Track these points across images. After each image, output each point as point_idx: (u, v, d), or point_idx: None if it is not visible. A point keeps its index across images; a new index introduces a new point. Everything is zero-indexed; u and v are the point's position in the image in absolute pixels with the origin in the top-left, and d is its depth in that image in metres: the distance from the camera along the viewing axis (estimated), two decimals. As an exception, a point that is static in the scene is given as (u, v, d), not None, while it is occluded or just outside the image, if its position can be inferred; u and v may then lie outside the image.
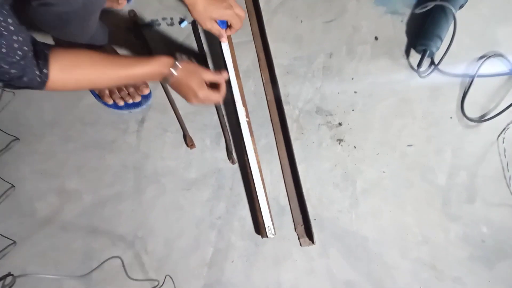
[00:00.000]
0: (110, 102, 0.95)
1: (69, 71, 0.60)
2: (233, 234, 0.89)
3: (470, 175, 0.92)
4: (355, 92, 1.00)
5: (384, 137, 0.95)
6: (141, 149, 0.93)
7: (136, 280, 0.84)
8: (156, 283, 0.85)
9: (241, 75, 0.97)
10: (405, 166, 0.93)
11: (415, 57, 1.03)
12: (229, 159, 0.94)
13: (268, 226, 0.85)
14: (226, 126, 0.96)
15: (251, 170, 0.88)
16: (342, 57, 1.02)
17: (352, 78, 1.01)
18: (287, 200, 0.92)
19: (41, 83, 0.57)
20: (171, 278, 0.85)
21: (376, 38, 1.04)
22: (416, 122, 0.97)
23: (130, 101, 0.96)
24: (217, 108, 0.97)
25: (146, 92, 0.96)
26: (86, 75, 0.63)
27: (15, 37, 0.50)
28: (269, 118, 0.97)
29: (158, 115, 0.96)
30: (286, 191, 0.92)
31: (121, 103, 0.95)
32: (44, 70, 0.56)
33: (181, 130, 0.96)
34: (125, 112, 0.97)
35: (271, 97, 0.98)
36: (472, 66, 1.01)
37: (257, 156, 0.90)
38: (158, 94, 0.98)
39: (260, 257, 0.88)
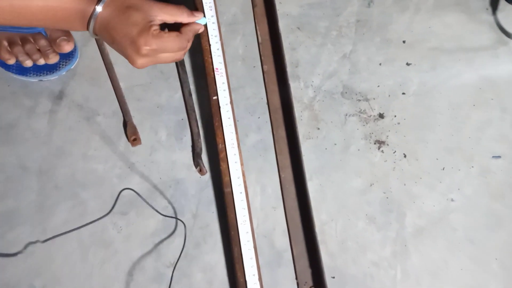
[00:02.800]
0: (11, 61, 0.51)
1: None
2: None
3: None
4: (407, 63, 0.54)
5: (453, 140, 0.50)
6: (54, 141, 0.50)
7: None
8: None
9: (222, 29, 0.53)
10: (489, 191, 0.49)
11: (507, 11, 0.56)
12: (196, 166, 0.50)
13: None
14: (194, 111, 0.51)
15: (231, 186, 0.45)
16: (387, 6, 0.56)
17: (404, 41, 0.55)
18: (287, 241, 0.48)
19: None
20: None
21: (442, -21, 0.57)
22: (507, 118, 0.52)
23: (42, 62, 0.52)
24: (182, 81, 0.52)
25: (68, 48, 0.52)
26: None
27: None
28: (265, 100, 0.52)
29: (86, 88, 0.53)
30: (287, 224, 0.48)
31: (28, 64, 0.52)
32: None
33: (120, 114, 0.52)
34: (33, 80, 0.54)
35: (270, 66, 0.53)
36: None
37: (241, 163, 0.46)
38: (86, 52, 0.55)
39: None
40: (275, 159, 0.51)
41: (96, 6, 0.36)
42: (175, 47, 0.39)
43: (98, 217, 0.48)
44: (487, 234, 0.48)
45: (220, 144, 0.46)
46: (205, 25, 0.48)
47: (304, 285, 0.46)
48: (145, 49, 0.37)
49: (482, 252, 0.47)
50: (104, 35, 0.38)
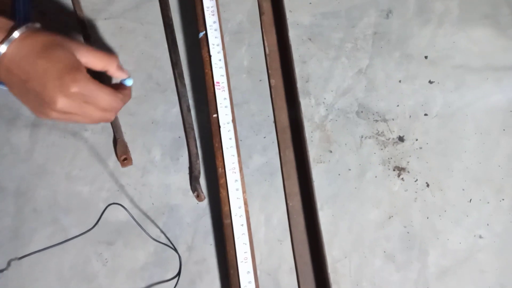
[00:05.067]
0: None
1: None
2: None
3: None
4: (430, 81, 0.47)
5: (483, 169, 0.44)
6: (35, 158, 0.44)
7: None
8: None
9: (226, 38, 0.46)
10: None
11: None
12: (193, 191, 0.43)
13: None
14: (193, 129, 0.44)
15: (231, 217, 0.38)
16: (408, 18, 0.50)
17: (426, 57, 0.48)
18: (295, 280, 0.41)
19: None
20: None
21: (468, -10, 0.51)
22: (542, 145, 0.45)
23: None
24: (180, 95, 0.46)
25: None
26: None
27: None
28: (272, 118, 0.46)
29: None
30: (295, 261, 0.41)
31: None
32: None
33: (110, 129, 0.45)
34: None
35: (278, 81, 0.46)
36: None
37: (244, 191, 0.39)
38: None
39: None
40: (282, 185, 0.43)
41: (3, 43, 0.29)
42: (107, 102, 0.33)
43: (81, 247, 0.40)
44: (520, 277, 0.41)
45: (220, 169, 0.40)
46: (206, 34, 0.42)
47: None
48: (74, 87, 0.30)
49: (515, 298, 0.40)
50: (9, 77, 0.31)
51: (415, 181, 0.44)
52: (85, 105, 0.31)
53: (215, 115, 0.42)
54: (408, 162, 0.45)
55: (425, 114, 0.47)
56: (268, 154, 0.46)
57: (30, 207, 0.44)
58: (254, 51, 0.48)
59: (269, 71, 0.48)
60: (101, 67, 0.34)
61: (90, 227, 0.42)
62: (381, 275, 0.42)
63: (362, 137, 0.46)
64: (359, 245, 0.42)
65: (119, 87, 0.36)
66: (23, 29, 0.31)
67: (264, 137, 0.46)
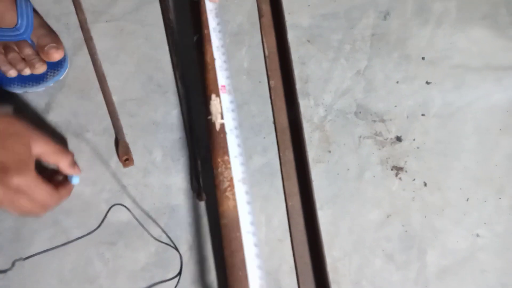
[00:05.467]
0: None
1: None
2: None
3: None
4: (427, 82, 0.48)
5: (481, 168, 0.44)
6: None
7: None
8: None
9: (227, 40, 0.47)
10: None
11: None
12: (194, 191, 0.43)
13: None
14: (194, 130, 0.45)
15: (233, 217, 0.38)
16: (406, 19, 0.50)
17: (423, 58, 0.49)
18: (295, 280, 0.41)
19: None
20: None
21: (466, -9, 0.51)
22: (540, 145, 0.45)
23: (28, 72, 0.47)
24: (181, 96, 0.46)
25: (57, 57, 0.47)
26: None
27: None
28: (272, 119, 0.46)
29: (75, 101, 0.47)
30: (295, 261, 0.41)
31: (12, 74, 0.46)
32: None
33: (112, 131, 0.45)
34: (17, 91, 0.48)
35: (277, 82, 0.47)
36: None
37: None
38: (77, 62, 0.49)
39: None
40: (282, 185, 0.44)
41: None
42: (42, 198, 0.34)
43: (82, 248, 0.40)
44: (519, 276, 0.41)
45: (215, 170, 0.40)
46: (201, 37, 0.42)
47: (314, 332, 0.39)
48: (15, 179, 0.31)
49: (515, 297, 0.40)
50: None
51: (413, 180, 0.45)
52: (21, 196, 0.32)
53: (209, 117, 0.42)
54: (405, 161, 0.45)
55: (423, 115, 0.47)
56: (268, 155, 0.46)
57: None
58: (254, 52, 0.49)
59: (269, 73, 0.48)
60: (53, 161, 0.35)
61: (92, 228, 0.42)
62: (381, 274, 0.42)
63: (360, 137, 0.46)
64: (358, 244, 0.42)
65: (62, 182, 0.38)
66: None
67: (264, 138, 0.46)
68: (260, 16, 0.49)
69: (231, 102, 0.41)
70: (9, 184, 0.31)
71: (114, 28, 0.49)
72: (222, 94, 0.41)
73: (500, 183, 0.45)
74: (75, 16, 0.49)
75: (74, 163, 0.38)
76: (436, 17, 0.51)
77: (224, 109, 0.40)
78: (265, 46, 0.48)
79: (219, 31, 0.44)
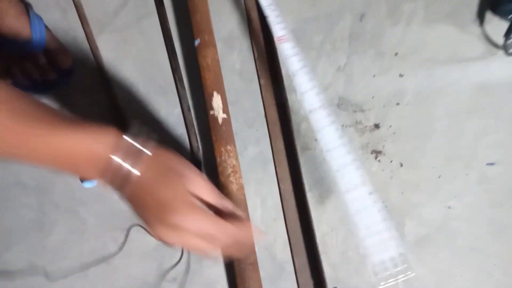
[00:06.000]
0: (7, 80, 0.50)
1: None
2: None
3: None
4: (400, 75, 0.54)
5: (450, 148, 0.50)
6: None
7: None
8: None
9: (219, 45, 0.52)
10: (487, 198, 0.48)
11: (494, 23, 0.57)
12: (195, 179, 0.48)
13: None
14: (193, 125, 0.50)
15: (237, 198, 0.44)
16: (379, 20, 0.56)
17: (396, 53, 0.55)
18: (288, 253, 0.47)
19: None
20: None
21: (431, -7, 0.58)
22: (502, 125, 0.51)
23: (41, 79, 0.52)
24: (181, 96, 0.52)
25: (66, 65, 0.51)
26: None
27: None
28: (263, 113, 0.51)
29: (85, 104, 0.51)
30: (288, 236, 0.47)
31: (25, 83, 0.51)
32: None
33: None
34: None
35: (267, 80, 0.53)
36: None
37: (240, 176, 0.45)
38: (84, 69, 0.54)
39: None
40: (275, 171, 0.49)
41: (127, 163, 0.29)
42: (208, 232, 0.30)
43: (98, 234, 0.46)
44: (488, 241, 0.47)
45: (218, 158, 0.45)
46: (196, 46, 0.47)
47: (307, 298, 0.44)
48: (173, 218, 0.29)
49: (484, 261, 0.46)
50: (126, 194, 0.31)
51: (390, 162, 0.50)
52: (184, 234, 0.29)
53: (212, 112, 0.48)
54: (383, 145, 0.51)
55: (397, 103, 0.53)
56: (261, 145, 0.51)
57: (51, 201, 0.49)
58: (244, 55, 0.55)
59: (259, 72, 0.54)
60: (219, 203, 0.33)
61: (106, 216, 0.48)
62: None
63: (343, 126, 0.52)
64: (344, 220, 0.48)
65: (233, 218, 0.33)
66: (148, 151, 0.30)
67: (257, 130, 0.52)
68: (249, 22, 0.55)
69: (293, 47, 0.43)
70: (170, 223, 0.29)
71: (117, 38, 0.55)
72: (282, 44, 0.43)
73: (467, 160, 0.50)
74: (82, 29, 0.54)
75: (233, 207, 0.34)
76: (406, 17, 0.57)
77: (287, 56, 0.42)
78: (255, 49, 0.54)
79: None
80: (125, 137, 0.30)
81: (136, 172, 0.29)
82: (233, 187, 0.45)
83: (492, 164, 0.50)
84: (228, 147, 0.46)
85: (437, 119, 0.51)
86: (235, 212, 0.33)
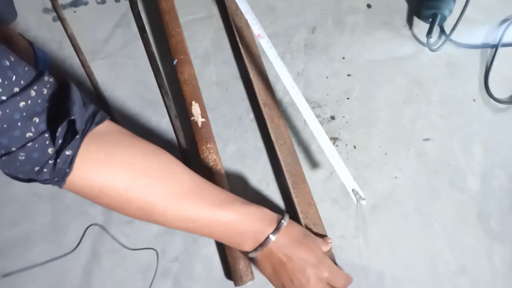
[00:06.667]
0: None
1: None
2: (195, 283, 0.53)
3: (510, 174, 0.60)
4: (348, 75, 0.66)
5: (392, 130, 0.62)
6: None
7: None
8: None
9: (197, 61, 0.63)
10: (425, 168, 0.60)
11: (420, 26, 0.70)
12: (186, 175, 0.58)
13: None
14: (181, 131, 0.61)
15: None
16: (328, 31, 0.69)
17: (343, 57, 0.67)
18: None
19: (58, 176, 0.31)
20: None
21: (368, 6, 0.71)
22: (432, 109, 0.64)
23: (46, 103, 0.59)
24: (168, 107, 0.62)
25: None
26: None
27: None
28: (239, 116, 0.62)
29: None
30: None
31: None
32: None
33: (118, 140, 0.59)
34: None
35: (254, 70, 0.63)
36: (493, 34, 0.69)
37: (220, 168, 0.55)
38: (83, 92, 0.62)
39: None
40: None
41: (270, 235, 0.38)
42: (342, 283, 0.40)
43: (108, 230, 0.55)
44: (428, 203, 0.59)
45: (201, 155, 0.55)
46: (175, 65, 0.58)
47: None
48: (325, 272, 0.38)
49: (426, 218, 0.58)
50: (269, 259, 0.39)
51: (346, 145, 0.62)
52: (327, 285, 0.40)
53: (192, 118, 0.58)
54: (339, 133, 0.62)
55: (348, 98, 0.65)
56: (238, 142, 0.62)
57: (62, 205, 0.58)
58: (218, 68, 0.65)
59: (248, 68, 0.65)
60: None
61: (113, 213, 0.57)
62: (331, 214, 0.58)
63: (305, 120, 0.63)
64: (314, 196, 0.59)
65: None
66: (285, 220, 0.41)
67: (235, 130, 0.63)
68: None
69: (267, 42, 0.55)
70: (322, 278, 0.38)
71: (109, 63, 0.65)
72: (260, 39, 0.55)
73: (407, 139, 0.62)
74: (77, 57, 0.64)
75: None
76: (350, 27, 0.69)
77: (265, 49, 0.54)
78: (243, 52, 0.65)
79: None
80: (275, 215, 0.41)
81: (273, 238, 0.38)
82: (215, 178, 0.55)
83: (427, 139, 0.62)
84: (209, 145, 0.56)
85: (380, 109, 0.63)
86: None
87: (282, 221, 0.39)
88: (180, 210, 0.34)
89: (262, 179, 0.59)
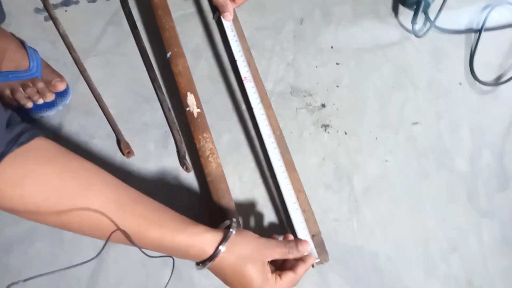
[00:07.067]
0: (13, 104, 0.59)
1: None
2: (194, 269, 0.54)
3: (496, 154, 0.61)
4: (337, 63, 0.67)
5: (382, 116, 0.63)
6: None
7: None
8: None
9: (189, 56, 0.64)
10: (414, 151, 0.61)
11: (405, 14, 0.71)
12: (182, 166, 0.59)
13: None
14: (174, 123, 0.61)
15: (216, 174, 0.55)
16: (316, 22, 0.70)
17: (332, 47, 0.68)
18: (266, 214, 0.59)
19: None
20: None
21: (355, -4, 0.72)
22: (419, 94, 0.65)
23: (41, 101, 0.61)
24: (161, 101, 0.63)
25: (61, 87, 0.61)
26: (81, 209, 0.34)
27: None
28: (232, 107, 0.63)
29: (81, 118, 0.61)
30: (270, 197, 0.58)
31: (29, 105, 0.60)
32: None
33: (114, 136, 0.61)
34: (35, 117, 0.61)
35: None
36: (477, 19, 0.71)
37: (217, 156, 0.56)
38: (78, 89, 0.63)
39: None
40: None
41: (220, 247, 0.38)
42: (289, 287, 0.41)
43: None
44: (418, 184, 0.60)
45: (198, 144, 0.57)
46: (168, 57, 0.59)
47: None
48: None
49: (417, 199, 0.59)
50: (217, 274, 0.40)
51: (337, 132, 0.63)
52: None
53: (188, 109, 0.59)
54: (330, 120, 0.64)
55: (337, 86, 0.66)
56: (232, 133, 0.63)
57: None
58: (210, 62, 0.67)
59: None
60: (285, 258, 0.42)
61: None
62: (324, 199, 0.60)
63: (296, 109, 0.65)
64: (306, 182, 0.60)
65: (299, 266, 0.42)
66: (234, 229, 0.40)
67: (228, 121, 0.64)
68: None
69: (252, 87, 0.58)
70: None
71: (102, 61, 0.65)
72: (246, 83, 0.58)
73: (395, 124, 0.64)
74: (70, 56, 0.65)
75: (296, 247, 0.43)
76: (337, 17, 0.71)
77: (248, 93, 0.57)
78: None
79: (236, 40, 0.60)
80: (221, 232, 0.40)
81: (222, 249, 0.38)
82: (213, 166, 0.56)
83: (416, 123, 0.64)
84: (205, 134, 0.57)
85: (369, 95, 0.65)
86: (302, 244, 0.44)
87: (231, 230, 0.40)
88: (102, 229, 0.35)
89: (256, 168, 0.60)
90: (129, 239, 0.38)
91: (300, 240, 0.44)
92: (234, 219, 0.45)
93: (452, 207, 0.58)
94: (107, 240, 0.37)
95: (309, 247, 0.44)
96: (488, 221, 0.57)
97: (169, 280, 0.45)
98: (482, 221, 0.57)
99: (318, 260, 0.50)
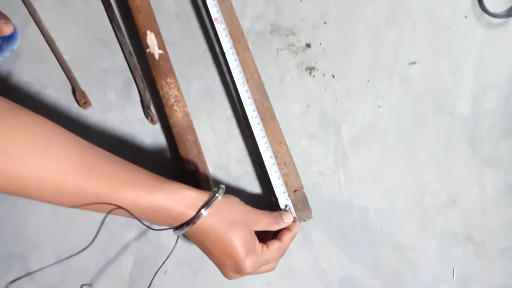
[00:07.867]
0: None
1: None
2: (164, 231, 0.48)
3: (503, 96, 0.53)
4: (324, -4, 0.57)
5: (374, 56, 0.54)
6: None
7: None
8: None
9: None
10: (410, 94, 0.53)
11: None
12: (147, 117, 0.51)
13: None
14: (137, 68, 0.53)
15: (182, 124, 0.47)
16: (300, -52, 0.59)
17: (318, -23, 0.58)
18: (242, 168, 0.52)
19: None
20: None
21: None
22: (417, 29, 0.56)
23: (-16, 47, 0.51)
24: (121, 43, 0.54)
25: (7, 31, 0.52)
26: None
27: None
28: (204, 51, 0.54)
29: (32, 65, 0.53)
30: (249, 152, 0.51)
31: (-29, 52, 0.51)
32: None
33: (69, 85, 0.52)
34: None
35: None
36: None
37: (185, 105, 0.48)
38: (28, 33, 0.55)
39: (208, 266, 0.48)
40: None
41: (203, 210, 0.34)
42: (276, 257, 0.38)
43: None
44: (414, 131, 0.52)
45: (161, 91, 0.48)
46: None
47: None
48: (248, 272, 0.36)
49: (412, 147, 0.52)
50: (197, 241, 0.36)
51: (323, 75, 0.55)
52: (259, 269, 0.37)
53: (148, 50, 0.50)
54: (316, 62, 0.55)
55: (325, 23, 0.57)
56: (204, 79, 0.55)
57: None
58: (177, -2, 0.57)
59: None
60: (271, 229, 0.40)
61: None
62: (308, 150, 0.52)
63: (277, 50, 0.56)
64: (288, 132, 0.52)
65: (285, 235, 0.40)
66: (220, 194, 0.36)
67: (199, 66, 0.55)
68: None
69: (224, 29, 0.50)
70: (246, 273, 0.36)
71: (55, 3, 0.56)
72: (217, 25, 0.50)
73: (390, 65, 0.55)
74: (16, -5, 0.55)
75: (282, 219, 0.41)
76: None
77: (219, 35, 0.49)
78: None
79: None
80: (200, 193, 0.35)
81: (205, 213, 0.34)
82: (178, 115, 0.48)
83: (413, 63, 0.55)
84: (168, 79, 0.49)
85: (361, 33, 0.56)
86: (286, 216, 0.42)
87: (217, 194, 0.36)
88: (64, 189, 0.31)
89: (232, 117, 0.52)
90: (127, 211, 0.33)
91: (284, 211, 0.42)
92: (222, 185, 0.39)
93: (452, 155, 0.51)
94: (102, 222, 0.33)
95: (292, 217, 0.42)
96: (493, 170, 0.50)
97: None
98: (485, 170, 0.50)
99: (296, 218, 0.43)
